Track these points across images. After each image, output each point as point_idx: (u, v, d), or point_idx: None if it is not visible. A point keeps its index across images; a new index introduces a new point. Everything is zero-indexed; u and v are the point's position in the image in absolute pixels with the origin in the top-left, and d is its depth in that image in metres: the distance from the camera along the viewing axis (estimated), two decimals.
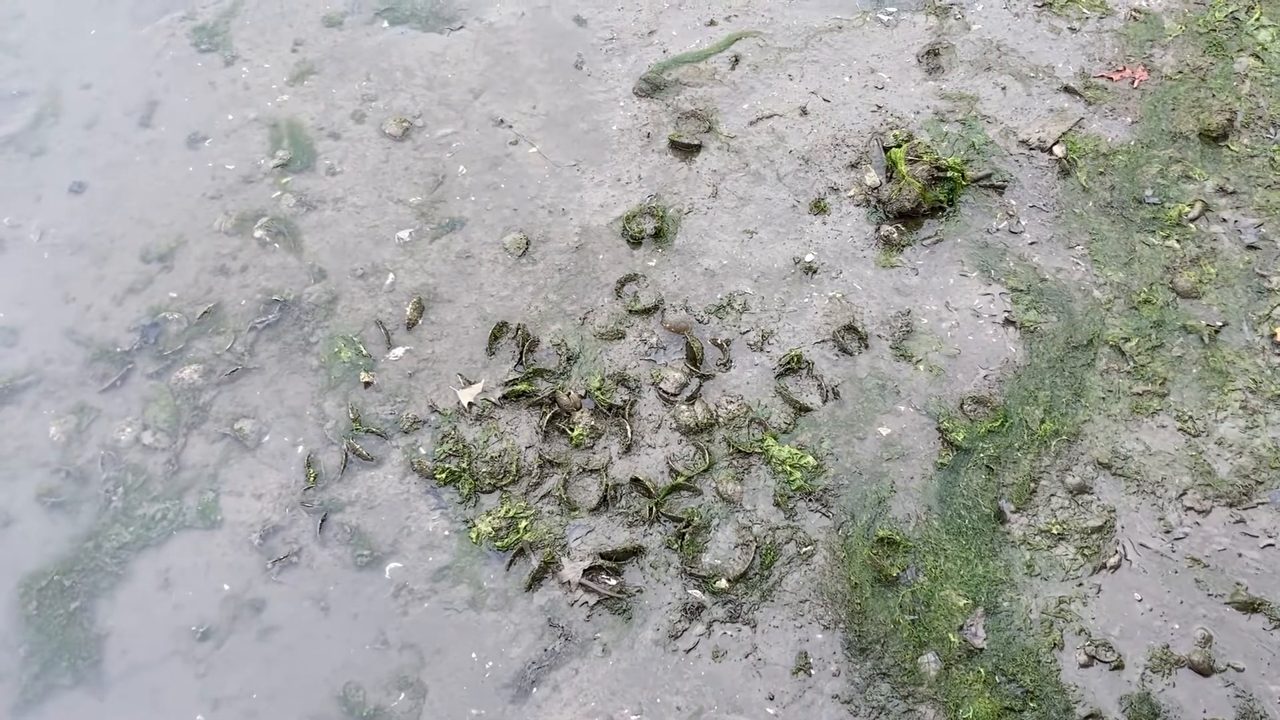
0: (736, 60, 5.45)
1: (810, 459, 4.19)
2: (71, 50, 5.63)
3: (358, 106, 5.38)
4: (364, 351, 4.56)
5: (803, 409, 4.33)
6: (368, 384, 4.46)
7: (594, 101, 5.35)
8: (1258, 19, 5.32)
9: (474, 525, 4.10)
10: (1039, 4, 5.56)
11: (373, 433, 4.34)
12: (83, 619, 3.96)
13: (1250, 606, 3.80)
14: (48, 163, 5.21)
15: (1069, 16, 5.49)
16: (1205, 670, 3.69)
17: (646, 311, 4.62)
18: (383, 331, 4.61)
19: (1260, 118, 4.98)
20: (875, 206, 4.88)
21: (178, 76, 5.52)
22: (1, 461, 4.33)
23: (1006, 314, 4.52)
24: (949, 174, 4.80)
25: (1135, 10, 5.48)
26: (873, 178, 4.94)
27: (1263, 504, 4.00)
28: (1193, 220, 4.72)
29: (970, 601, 3.86)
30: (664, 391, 4.39)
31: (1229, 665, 3.71)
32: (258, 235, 4.92)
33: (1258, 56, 5.19)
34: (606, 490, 4.16)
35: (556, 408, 4.35)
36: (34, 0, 5.86)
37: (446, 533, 4.11)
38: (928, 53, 5.41)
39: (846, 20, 5.60)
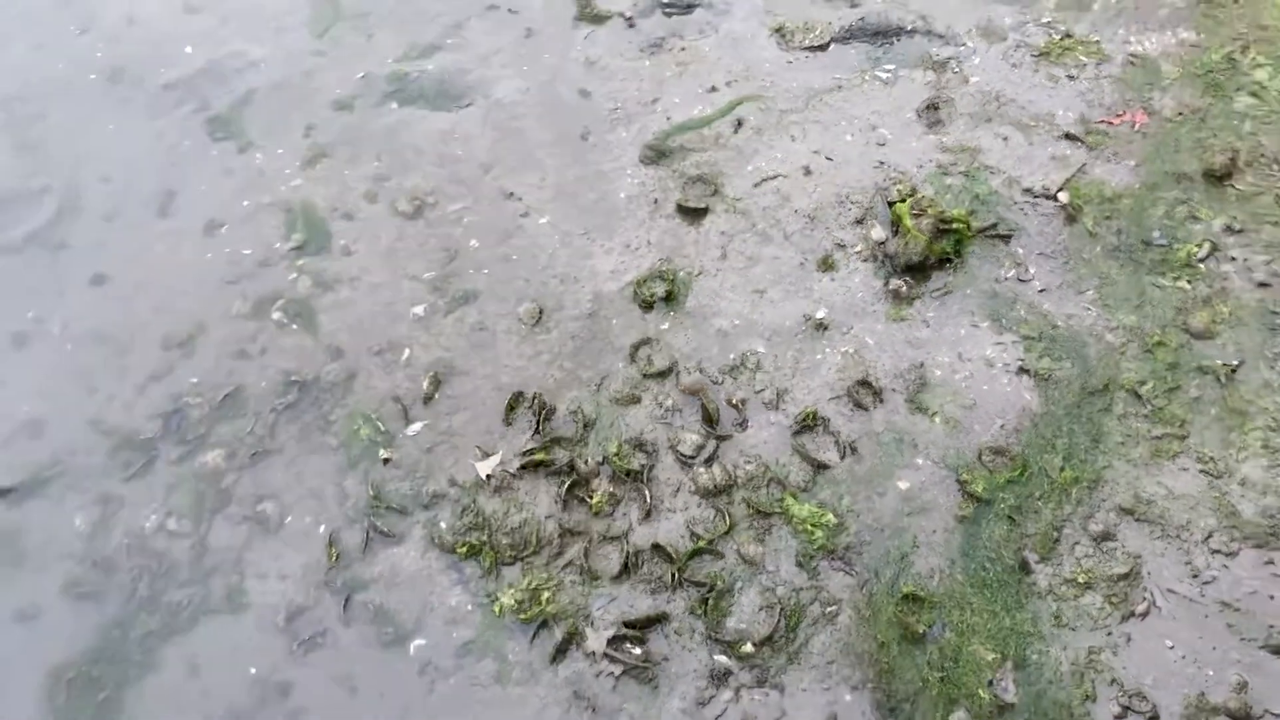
0: (739, 124, 5.53)
1: (831, 517, 4.18)
2: (90, 145, 5.77)
3: (370, 186, 5.48)
4: (382, 428, 4.60)
5: (821, 466, 4.33)
6: (387, 460, 4.49)
7: (601, 171, 5.43)
8: (1254, 59, 5.37)
9: (497, 598, 4.10)
10: (1036, 54, 5.63)
11: (393, 509, 4.37)
12: (111, 709, 3.97)
13: None
14: (69, 256, 5.31)
15: (1066, 64, 5.56)
16: (1243, 717, 3.62)
17: (661, 375, 4.65)
18: (400, 407, 4.65)
19: (1263, 155, 5.00)
20: (883, 261, 4.91)
21: (194, 166, 5.65)
22: (30, 554, 4.37)
23: (1020, 362, 4.52)
24: (954, 226, 4.84)
25: (1132, 55, 5.54)
26: (878, 233, 4.98)
27: None
28: (1202, 260, 4.73)
29: (999, 655, 3.82)
30: (681, 454, 4.40)
31: (1266, 711, 3.64)
32: (275, 317, 5.00)
33: (1256, 95, 5.22)
34: (628, 557, 4.15)
35: (575, 475, 4.37)
36: (53, 99, 6.02)
37: (470, 607, 4.10)
38: (927, 107, 5.47)
39: (846, 80, 5.68)
